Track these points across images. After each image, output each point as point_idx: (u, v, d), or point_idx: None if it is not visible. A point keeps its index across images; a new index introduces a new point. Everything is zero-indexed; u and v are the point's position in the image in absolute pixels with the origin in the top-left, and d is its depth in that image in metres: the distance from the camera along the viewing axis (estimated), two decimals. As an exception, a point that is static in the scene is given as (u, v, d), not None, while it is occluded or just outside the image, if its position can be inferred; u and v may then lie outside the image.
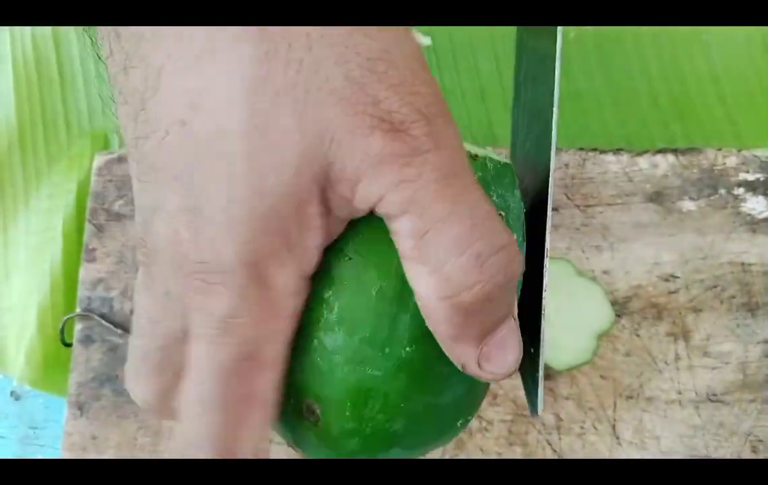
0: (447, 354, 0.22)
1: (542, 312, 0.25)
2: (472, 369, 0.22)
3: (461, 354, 0.22)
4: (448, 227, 0.20)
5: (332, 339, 0.23)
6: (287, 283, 0.21)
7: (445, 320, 0.21)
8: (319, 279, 0.23)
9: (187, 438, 0.22)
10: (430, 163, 0.20)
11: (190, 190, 0.20)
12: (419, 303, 0.22)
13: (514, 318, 0.23)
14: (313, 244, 0.21)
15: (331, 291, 0.23)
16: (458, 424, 0.26)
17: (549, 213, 0.26)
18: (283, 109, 0.19)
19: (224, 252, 0.20)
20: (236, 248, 0.20)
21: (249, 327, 0.21)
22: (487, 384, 0.27)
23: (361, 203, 0.21)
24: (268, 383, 0.22)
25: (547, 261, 0.25)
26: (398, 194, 0.20)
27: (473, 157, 0.24)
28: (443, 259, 0.21)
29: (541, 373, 0.25)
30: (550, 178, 0.26)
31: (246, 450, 0.22)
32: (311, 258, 0.22)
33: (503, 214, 0.24)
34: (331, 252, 0.22)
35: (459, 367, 0.22)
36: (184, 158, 0.20)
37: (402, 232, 0.21)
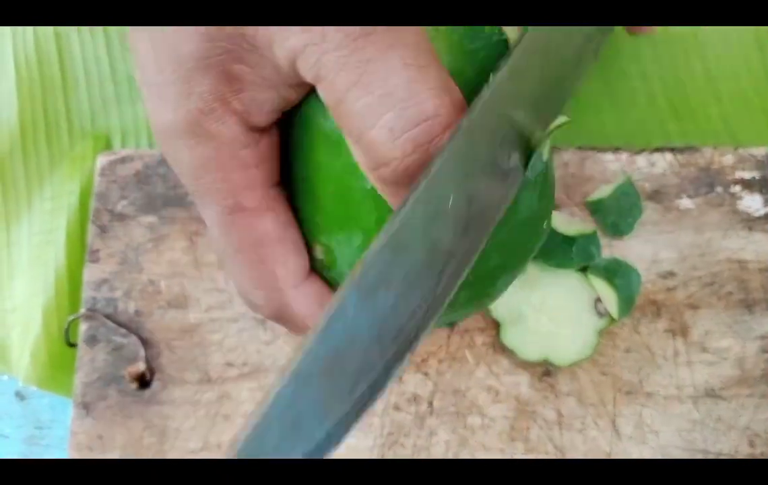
0: None
1: None
2: None
3: None
4: (354, 98, 0.19)
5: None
6: (233, 135, 0.21)
7: (380, 188, 0.20)
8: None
9: (239, 292, 0.23)
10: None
11: (140, 67, 0.22)
12: None
13: None
14: (258, 98, 0.21)
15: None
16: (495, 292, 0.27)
17: None
18: None
19: (164, 117, 0.21)
20: (171, 110, 0.21)
21: (217, 181, 0.22)
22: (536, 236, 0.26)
23: (284, 65, 0.20)
24: (269, 223, 0.22)
25: None
26: (305, 60, 0.19)
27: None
28: (358, 131, 0.19)
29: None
30: None
31: (297, 296, 0.23)
32: (257, 111, 0.21)
33: None
34: None
35: None
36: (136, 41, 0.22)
37: (323, 99, 0.20)
